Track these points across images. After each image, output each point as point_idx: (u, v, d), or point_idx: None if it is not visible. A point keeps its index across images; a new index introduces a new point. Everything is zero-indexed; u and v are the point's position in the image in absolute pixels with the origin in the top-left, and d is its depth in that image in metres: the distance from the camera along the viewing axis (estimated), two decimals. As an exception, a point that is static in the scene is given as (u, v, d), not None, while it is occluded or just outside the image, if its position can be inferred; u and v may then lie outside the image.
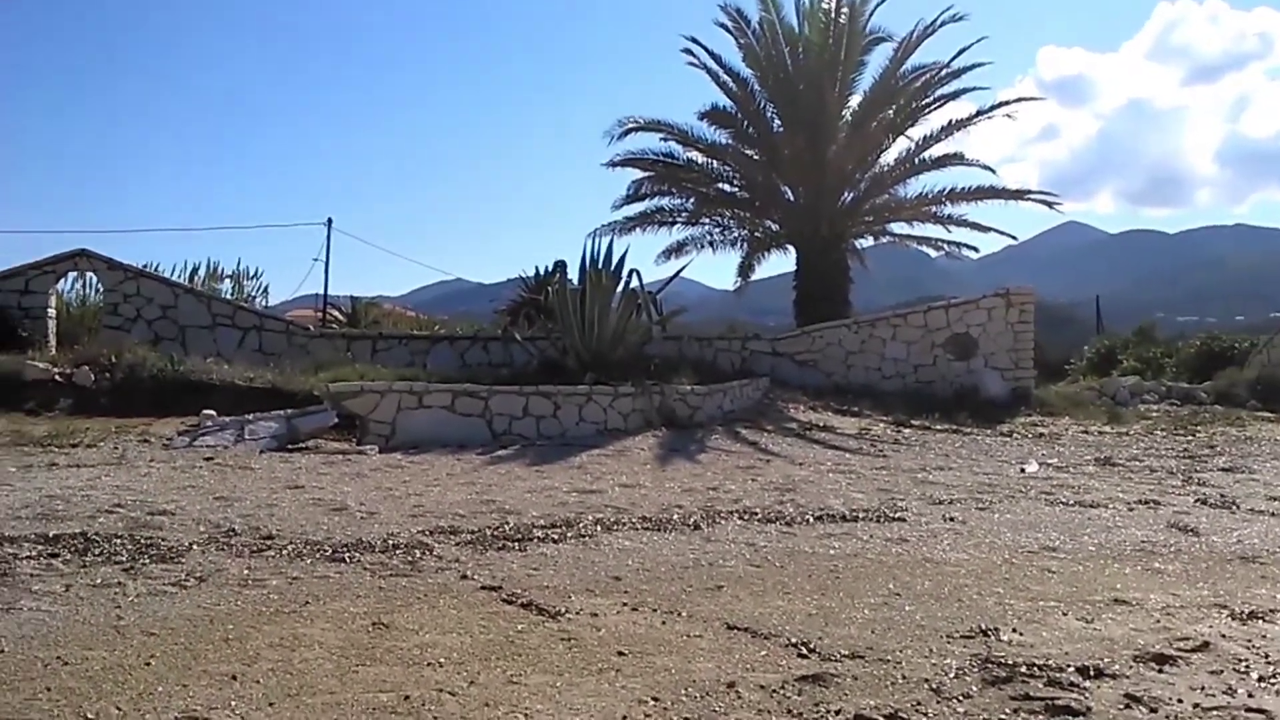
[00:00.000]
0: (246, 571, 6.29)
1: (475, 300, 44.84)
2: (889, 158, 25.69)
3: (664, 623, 5.42)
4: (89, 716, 3.87)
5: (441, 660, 4.66)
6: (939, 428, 16.90)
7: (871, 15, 24.21)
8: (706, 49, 24.59)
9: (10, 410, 13.69)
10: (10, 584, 5.74)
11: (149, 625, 5.09)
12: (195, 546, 6.90)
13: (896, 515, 8.91)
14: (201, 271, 25.79)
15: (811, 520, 8.67)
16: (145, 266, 21.94)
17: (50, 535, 6.97)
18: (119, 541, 6.88)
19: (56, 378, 14.97)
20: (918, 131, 25.16)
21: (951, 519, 8.82)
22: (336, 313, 27.62)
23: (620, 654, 4.81)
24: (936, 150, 25.17)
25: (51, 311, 20.55)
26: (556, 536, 7.72)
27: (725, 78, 24.84)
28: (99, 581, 5.89)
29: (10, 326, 19.27)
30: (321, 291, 28.81)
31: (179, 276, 23.78)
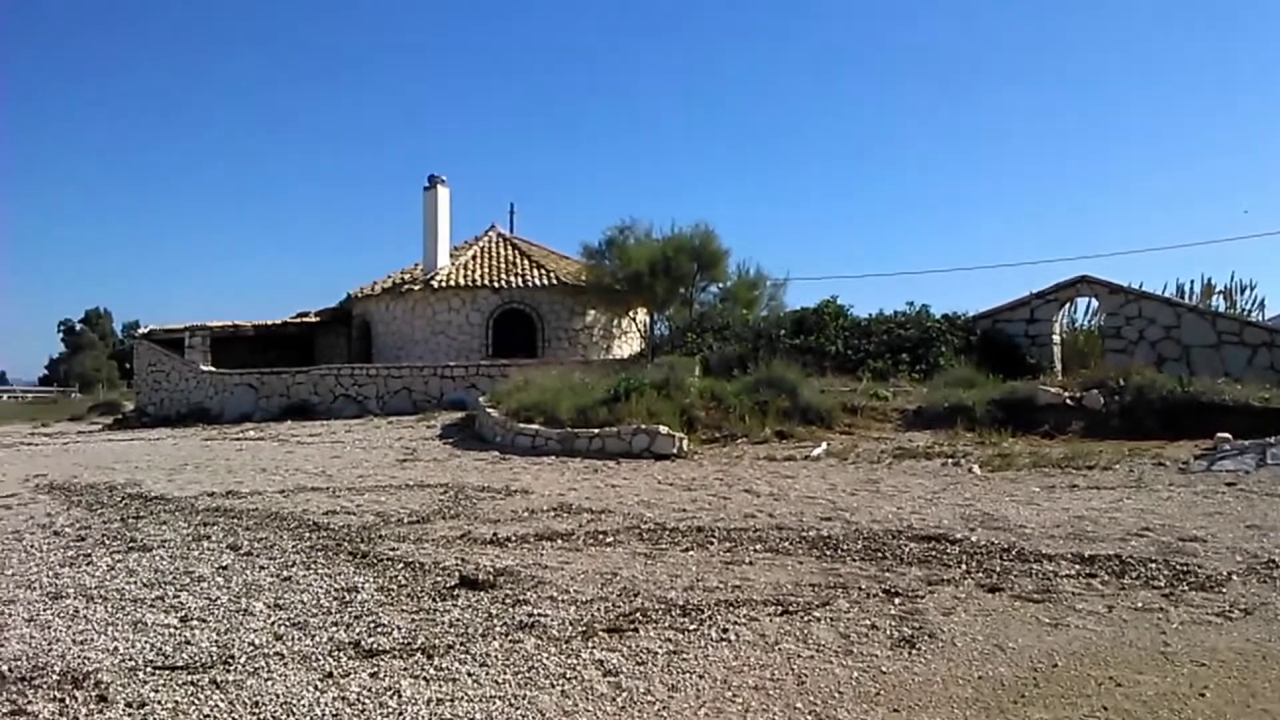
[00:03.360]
0: (1300, 609, 5.91)
1: None
2: None
3: None
4: (1151, 740, 3.99)
5: None
6: None
7: None
8: None
9: (1026, 433, 14.93)
10: (1054, 600, 6.22)
11: (1197, 655, 5.09)
12: (1234, 576, 6.71)
13: None
14: (1196, 288, 25.13)
15: None
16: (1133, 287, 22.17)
17: (1085, 555, 7.40)
18: (1153, 566, 7.03)
19: (1066, 401, 15.91)
20: None
21: None
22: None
23: None
24: None
25: (1055, 338, 21.98)
26: None
27: None
28: (1139, 605, 6.08)
29: (1019, 354, 21.11)
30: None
31: (1169, 294, 23.49)
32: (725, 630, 5.67)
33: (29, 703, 4.77)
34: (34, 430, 28.68)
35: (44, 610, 6.54)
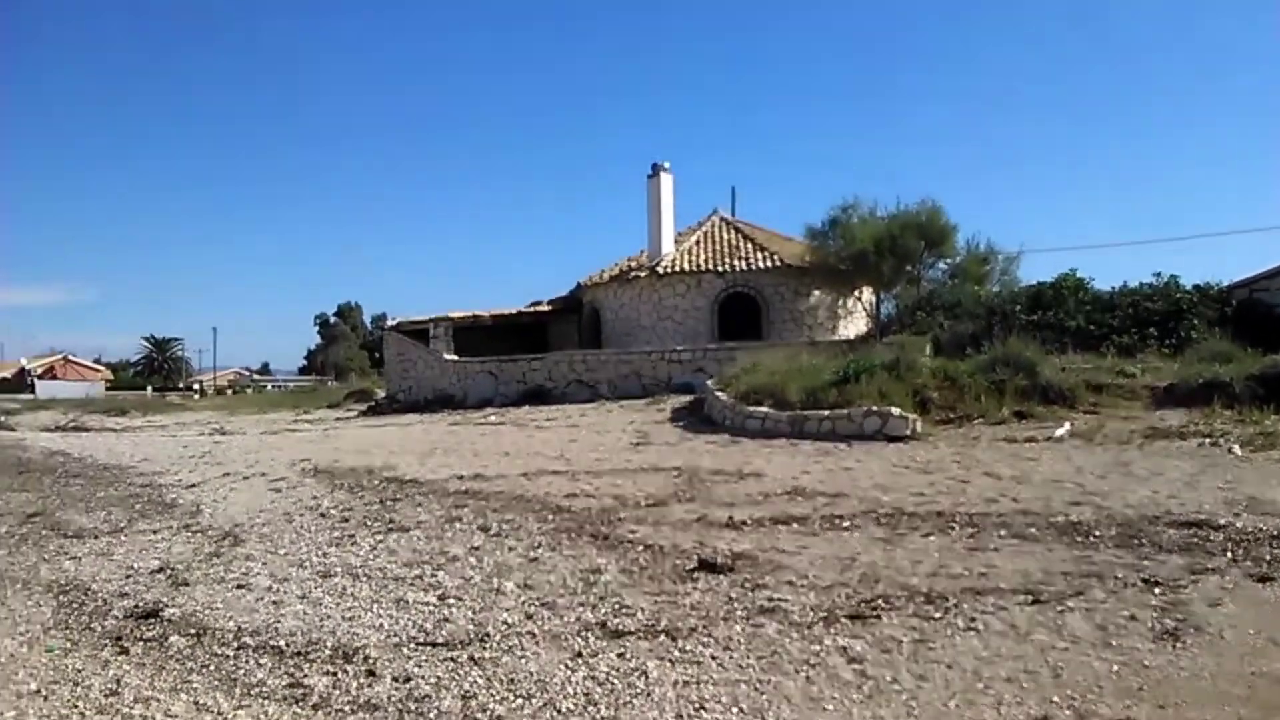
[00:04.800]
0: None
1: None
2: None
3: None
4: None
5: None
6: None
7: None
8: None
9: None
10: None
11: None
12: None
13: None
14: None
15: None
16: None
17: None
18: None
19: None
20: None
21: None
22: None
23: None
24: None
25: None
26: None
27: None
28: None
29: (1281, 325, 19.53)
30: None
31: None
32: (973, 619, 5.50)
33: (305, 676, 5.13)
34: (296, 417, 30.78)
35: (315, 588, 7.01)
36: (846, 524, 8.26)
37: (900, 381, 15.92)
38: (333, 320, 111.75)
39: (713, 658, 5.06)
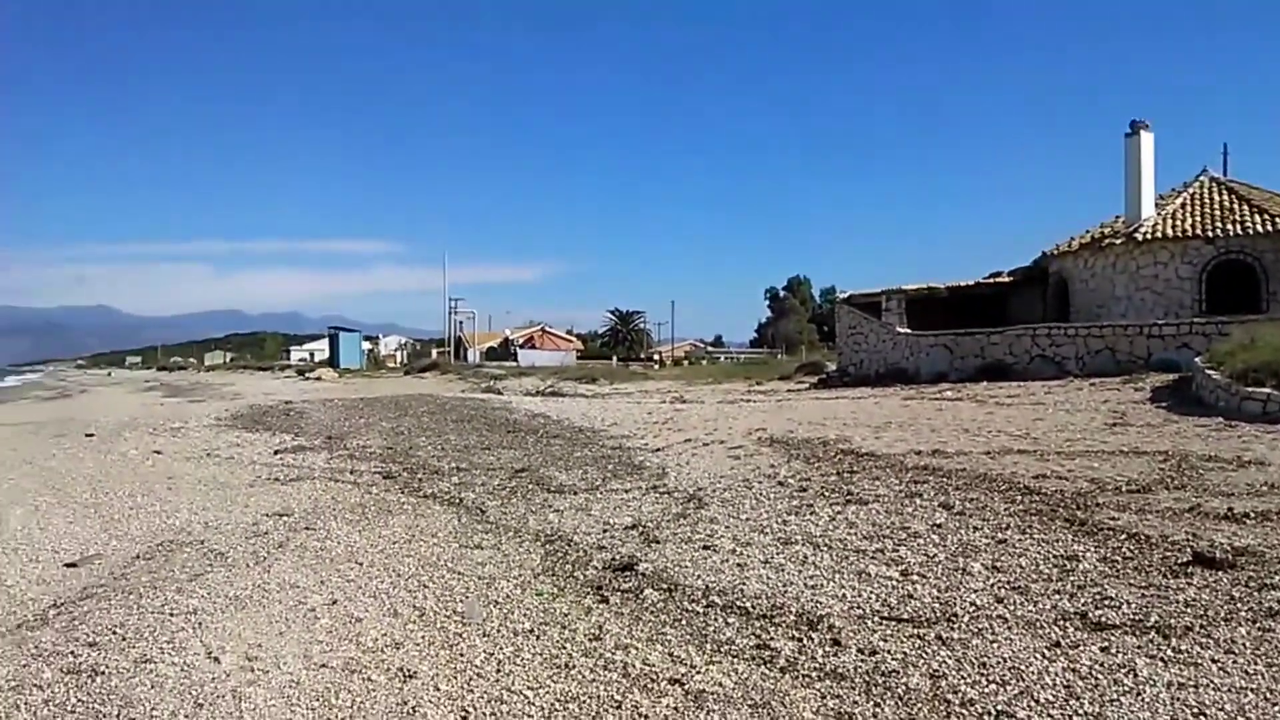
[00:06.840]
0: None
1: None
2: None
3: None
4: None
5: None
6: None
7: None
8: None
9: None
10: None
11: None
12: None
13: None
14: None
15: None
16: None
17: None
18: None
19: None
20: None
21: None
22: None
23: None
24: None
25: None
26: None
27: None
28: None
29: None
30: None
31: None
32: None
33: (771, 639, 5.31)
34: (749, 388, 31.84)
35: (776, 554, 7.23)
36: (1379, 524, 7.24)
37: None
38: (782, 294, 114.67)
39: (1213, 660, 4.64)
